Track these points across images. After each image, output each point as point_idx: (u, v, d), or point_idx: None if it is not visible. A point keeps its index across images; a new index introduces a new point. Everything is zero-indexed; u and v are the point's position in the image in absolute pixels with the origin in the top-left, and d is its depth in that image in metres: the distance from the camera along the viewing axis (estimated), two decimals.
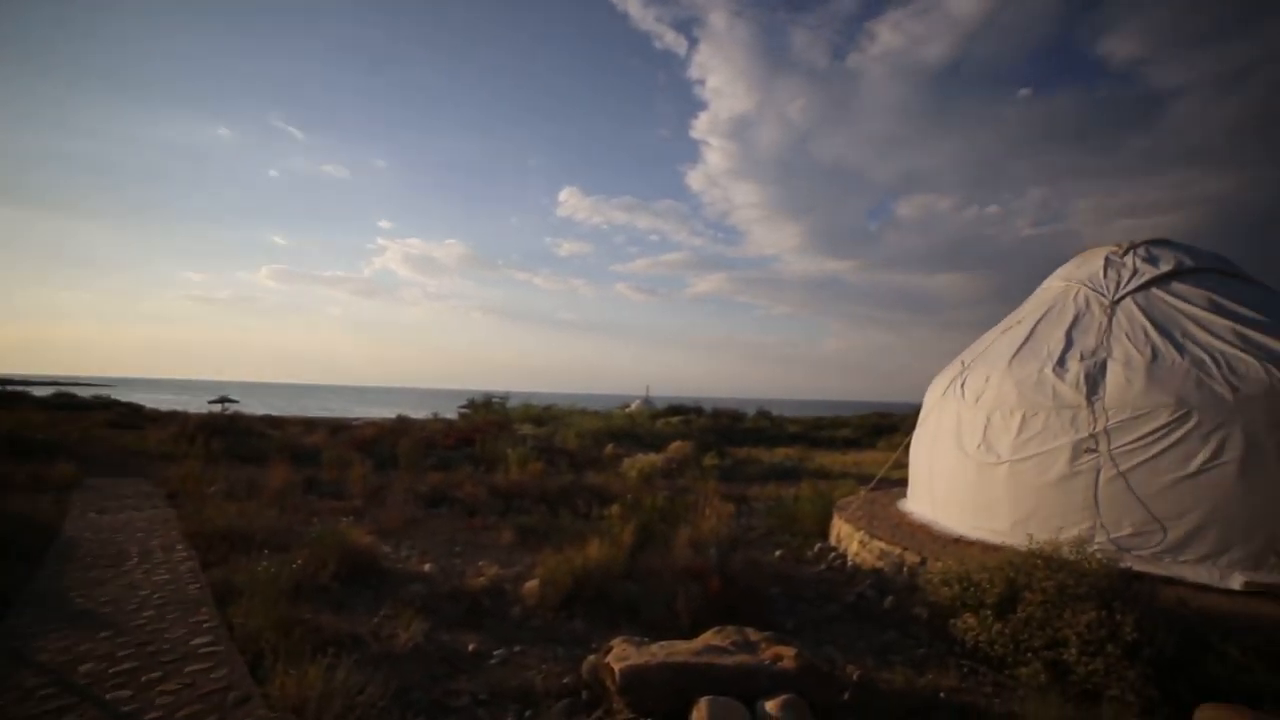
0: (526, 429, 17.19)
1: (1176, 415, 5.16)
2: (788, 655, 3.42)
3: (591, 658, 3.66)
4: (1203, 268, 6.48)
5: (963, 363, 7.40)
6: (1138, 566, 4.78)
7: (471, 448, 12.97)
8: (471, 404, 23.42)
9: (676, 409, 26.71)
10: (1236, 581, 4.67)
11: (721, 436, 19.57)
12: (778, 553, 6.97)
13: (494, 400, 22.83)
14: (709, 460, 13.88)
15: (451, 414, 22.73)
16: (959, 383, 7.01)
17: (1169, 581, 4.68)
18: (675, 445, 15.25)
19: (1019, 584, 3.90)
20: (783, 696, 3.06)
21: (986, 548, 5.54)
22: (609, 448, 15.58)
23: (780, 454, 17.13)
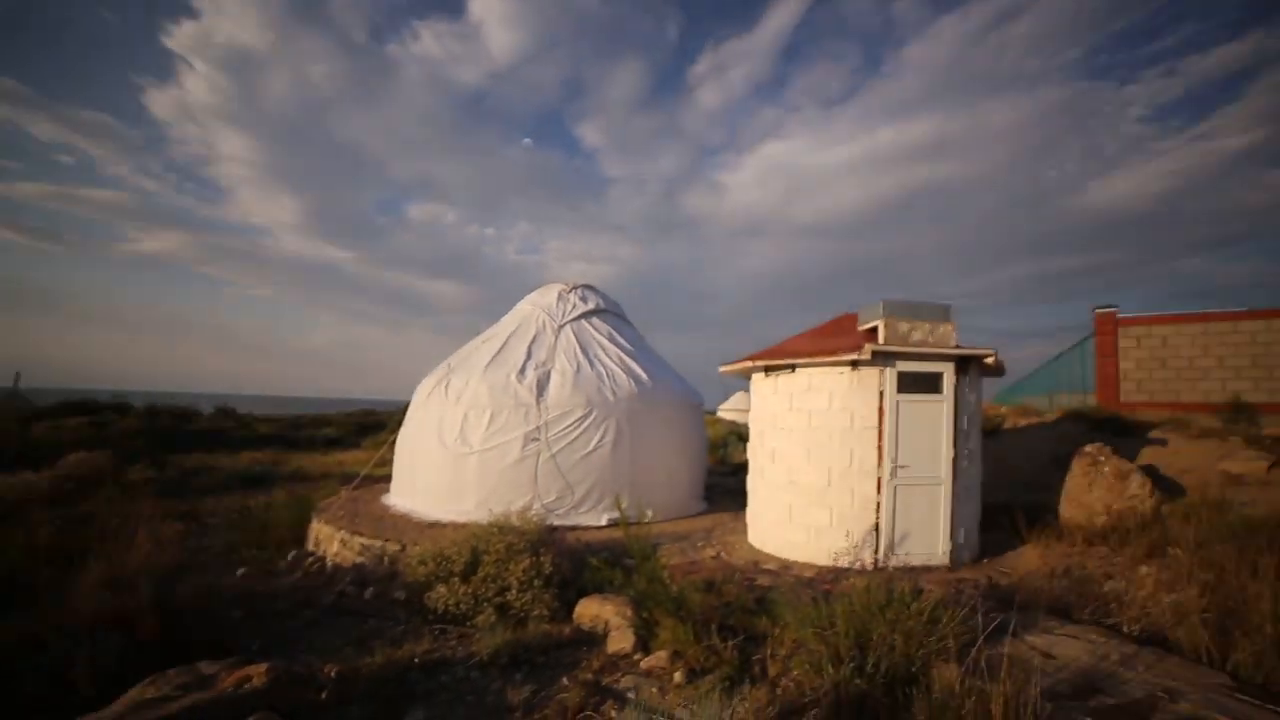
0: None
1: (586, 412, 7.32)
2: (257, 674, 3.16)
3: None
4: (608, 310, 9.35)
5: (449, 366, 8.33)
6: (557, 522, 6.55)
7: None
8: None
9: (80, 406, 19.33)
10: (604, 520, 7.05)
11: (161, 441, 15.36)
12: (242, 570, 6.12)
13: None
14: (138, 473, 10.75)
15: None
16: (444, 384, 7.85)
17: (574, 528, 6.60)
18: (76, 457, 11.10)
19: (480, 550, 4.75)
20: (251, 718, 2.83)
21: (458, 527, 6.41)
22: None
23: (247, 458, 14.80)
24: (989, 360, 5.79)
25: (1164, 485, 7.06)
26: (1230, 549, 4.42)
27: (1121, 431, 9.56)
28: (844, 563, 5.51)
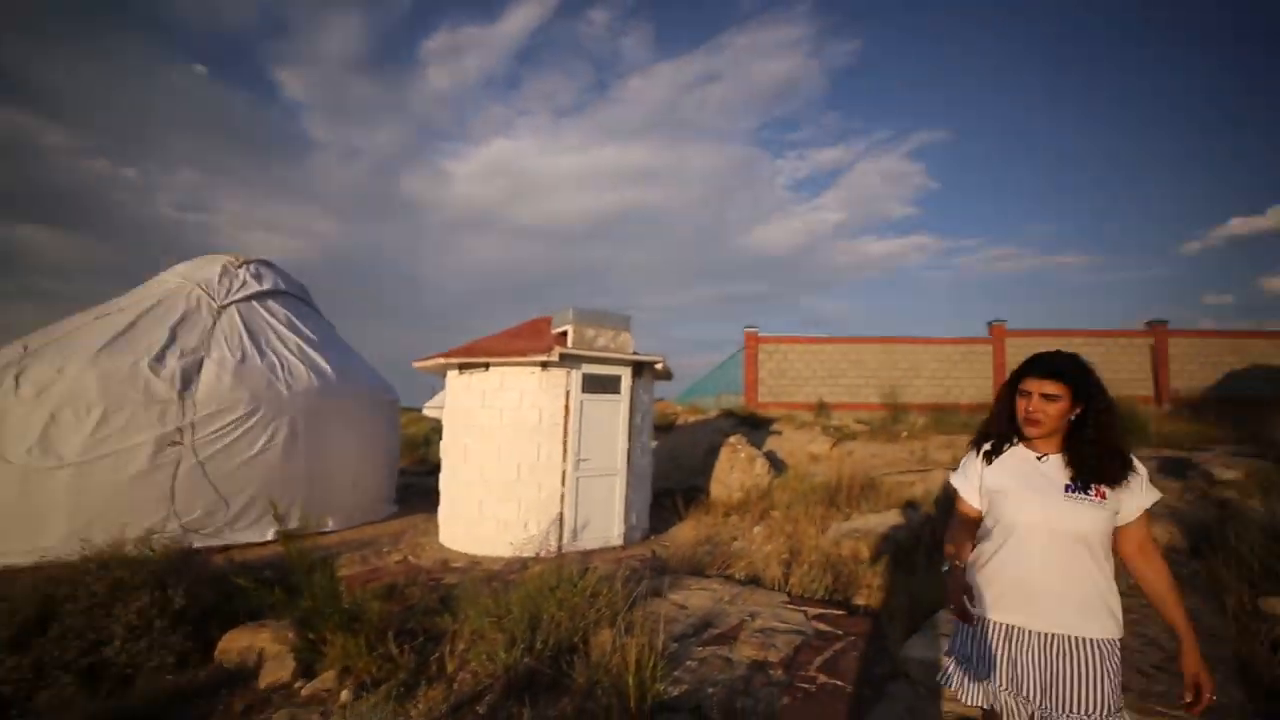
0: None
1: (251, 408, 6.21)
2: None
3: None
4: (289, 292, 8.09)
5: (24, 348, 6.12)
6: (204, 543, 5.40)
7: None
8: None
9: None
10: (270, 534, 6.10)
11: None
12: None
13: None
14: None
15: None
16: (13, 373, 5.75)
17: (228, 548, 5.52)
18: None
19: (61, 598, 3.61)
20: None
21: (18, 574, 4.66)
22: None
23: None
24: (659, 366, 6.81)
25: (777, 465, 9.28)
26: (803, 507, 6.10)
27: (757, 425, 12.25)
28: (529, 552, 5.82)
